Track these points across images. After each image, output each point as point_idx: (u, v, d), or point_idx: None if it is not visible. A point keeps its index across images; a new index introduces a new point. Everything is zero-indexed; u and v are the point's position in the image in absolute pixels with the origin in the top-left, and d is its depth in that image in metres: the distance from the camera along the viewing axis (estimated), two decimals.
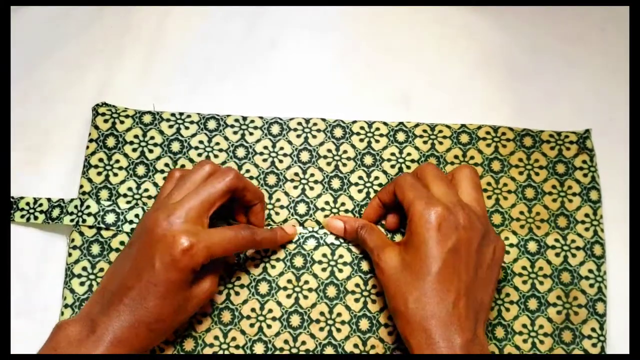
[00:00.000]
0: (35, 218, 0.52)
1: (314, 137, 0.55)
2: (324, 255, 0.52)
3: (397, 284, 0.43)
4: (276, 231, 0.50)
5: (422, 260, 0.43)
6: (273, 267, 0.51)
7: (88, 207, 0.52)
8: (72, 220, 0.51)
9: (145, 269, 0.42)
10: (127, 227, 0.51)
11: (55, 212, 0.52)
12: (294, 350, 0.50)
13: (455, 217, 0.43)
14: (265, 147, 0.54)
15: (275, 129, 0.55)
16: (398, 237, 0.52)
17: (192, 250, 0.42)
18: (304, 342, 0.50)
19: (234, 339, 0.49)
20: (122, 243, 0.51)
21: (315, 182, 0.53)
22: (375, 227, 0.50)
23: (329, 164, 0.54)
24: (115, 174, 0.53)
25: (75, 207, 0.52)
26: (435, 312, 0.41)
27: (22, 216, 0.52)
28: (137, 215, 0.52)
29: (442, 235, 0.43)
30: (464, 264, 0.43)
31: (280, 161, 0.54)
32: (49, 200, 0.52)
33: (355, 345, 0.50)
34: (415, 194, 0.45)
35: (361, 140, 0.55)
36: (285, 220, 0.53)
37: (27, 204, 0.52)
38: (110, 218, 0.51)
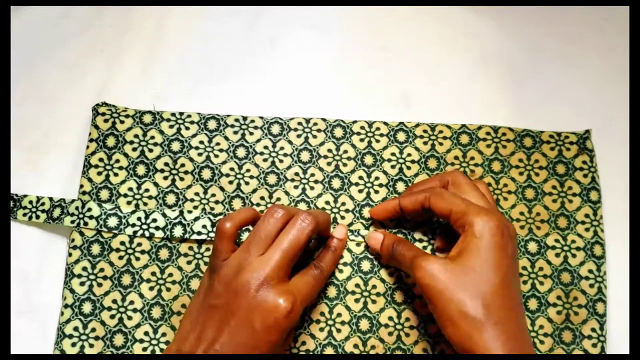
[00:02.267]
0: (37, 217, 0.52)
1: (315, 137, 0.55)
2: None
3: (452, 292, 0.43)
4: (335, 248, 0.51)
5: (487, 268, 0.43)
6: None
7: (89, 209, 0.51)
8: (72, 222, 0.51)
9: (243, 333, 0.42)
10: (129, 230, 0.51)
11: (56, 212, 0.52)
12: (294, 351, 0.50)
13: (509, 227, 0.44)
14: (266, 147, 0.54)
15: (275, 129, 0.55)
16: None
17: (293, 311, 0.43)
18: (304, 343, 0.50)
19: None
20: (122, 243, 0.51)
21: (316, 181, 0.53)
22: (408, 242, 0.50)
23: (329, 163, 0.54)
24: (116, 174, 0.53)
25: (77, 208, 0.52)
26: (503, 317, 0.42)
27: (25, 214, 0.52)
28: (139, 219, 0.51)
29: (504, 244, 0.43)
30: (515, 270, 0.45)
31: (281, 161, 0.54)
32: (50, 199, 0.52)
33: (356, 346, 0.50)
34: (465, 205, 0.45)
35: (361, 140, 0.54)
36: None
37: (30, 202, 0.52)
38: (112, 222, 0.51)
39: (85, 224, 0.51)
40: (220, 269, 0.44)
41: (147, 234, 0.51)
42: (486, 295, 0.42)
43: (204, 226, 0.51)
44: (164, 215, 0.52)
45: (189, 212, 0.52)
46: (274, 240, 0.45)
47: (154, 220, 0.52)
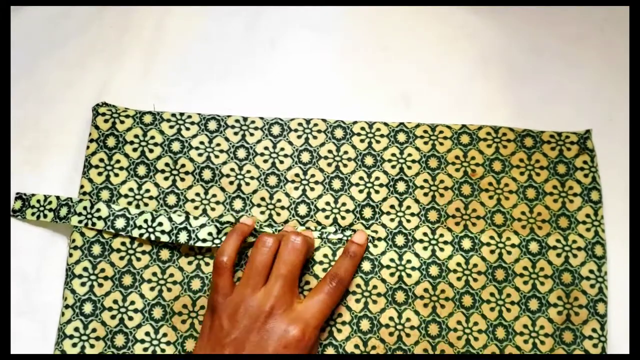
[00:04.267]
0: (45, 216, 0.52)
1: (315, 137, 0.54)
2: (325, 255, 0.52)
3: None
4: (354, 254, 0.51)
5: None
6: None
7: (98, 210, 0.51)
8: (80, 222, 0.51)
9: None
10: (135, 233, 0.51)
11: (63, 211, 0.52)
12: None
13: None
14: (266, 148, 0.54)
15: (275, 130, 0.55)
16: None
17: (304, 339, 0.44)
18: None
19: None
20: (123, 244, 0.51)
21: (316, 182, 0.53)
22: None
23: (329, 164, 0.54)
24: (116, 174, 0.53)
25: (85, 208, 0.52)
26: None
27: (33, 214, 0.52)
28: (145, 221, 0.51)
29: None
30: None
31: (281, 162, 0.54)
32: (57, 198, 0.52)
33: (356, 346, 0.50)
34: None
35: (362, 140, 0.54)
36: (286, 221, 0.53)
37: (38, 201, 0.52)
38: (120, 223, 0.51)
39: (94, 224, 0.51)
40: (225, 308, 0.45)
41: (152, 237, 0.51)
42: None
43: (210, 233, 0.51)
44: (170, 219, 0.52)
45: (195, 218, 0.52)
46: (270, 268, 0.46)
47: (160, 224, 0.51)
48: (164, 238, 0.51)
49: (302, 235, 0.47)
